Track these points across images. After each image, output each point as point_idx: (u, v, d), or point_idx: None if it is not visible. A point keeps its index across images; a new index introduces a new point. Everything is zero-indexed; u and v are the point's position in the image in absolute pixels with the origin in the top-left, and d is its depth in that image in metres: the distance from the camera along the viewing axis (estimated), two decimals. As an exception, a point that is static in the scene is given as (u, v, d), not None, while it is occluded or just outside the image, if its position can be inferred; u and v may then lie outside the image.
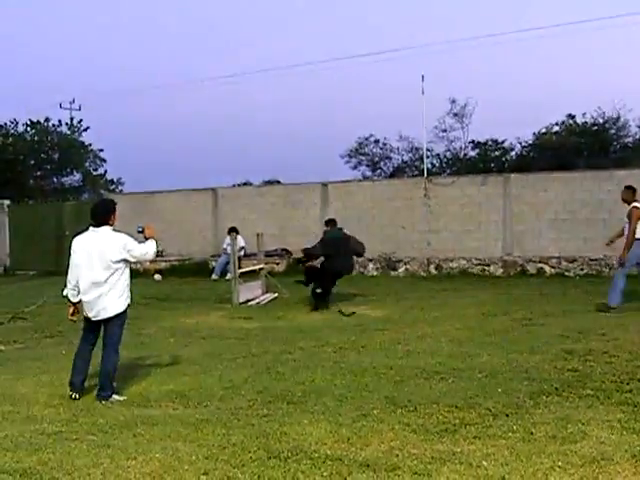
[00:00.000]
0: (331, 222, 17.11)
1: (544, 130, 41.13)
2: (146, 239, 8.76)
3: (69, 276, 8.61)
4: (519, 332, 11.92)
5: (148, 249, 8.67)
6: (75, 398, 8.35)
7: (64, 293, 8.80)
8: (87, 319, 8.63)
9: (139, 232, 8.84)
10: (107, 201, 9.24)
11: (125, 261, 8.53)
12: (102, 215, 8.53)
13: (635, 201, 14.16)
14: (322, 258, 16.38)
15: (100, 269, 8.37)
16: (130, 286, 8.80)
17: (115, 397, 8.40)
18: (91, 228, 8.52)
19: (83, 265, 8.43)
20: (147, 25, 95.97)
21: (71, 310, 8.77)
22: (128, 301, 8.71)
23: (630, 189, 14.44)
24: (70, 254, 8.60)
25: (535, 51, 69.06)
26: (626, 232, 14.15)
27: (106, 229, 8.47)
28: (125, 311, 8.68)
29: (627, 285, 14.16)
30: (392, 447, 6.29)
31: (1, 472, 5.91)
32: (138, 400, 8.20)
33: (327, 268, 16.04)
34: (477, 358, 9.91)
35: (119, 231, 8.59)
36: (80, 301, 8.60)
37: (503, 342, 11.02)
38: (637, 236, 13.96)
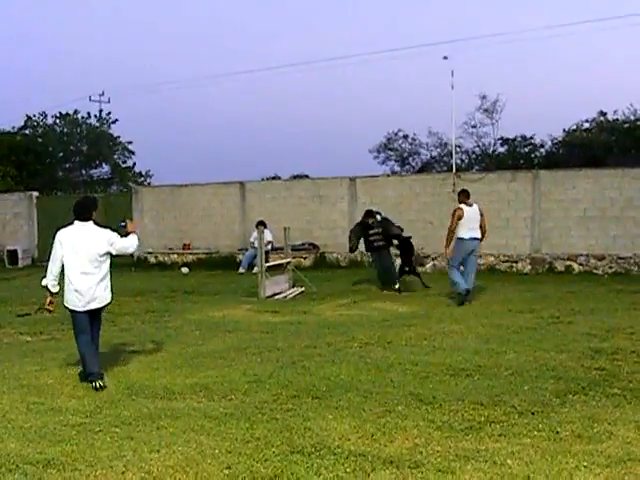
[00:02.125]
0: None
1: (574, 127, 40.90)
2: (127, 234, 9.23)
3: (51, 267, 8.99)
4: (546, 330, 11.84)
5: (130, 243, 9.17)
6: (101, 386, 8.44)
7: (43, 283, 9.13)
8: (76, 313, 8.93)
9: (122, 227, 9.32)
10: (91, 197, 10.49)
11: (109, 254, 8.99)
12: (87, 210, 9.04)
13: None
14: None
15: (87, 261, 8.82)
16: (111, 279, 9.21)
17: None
18: (77, 222, 9.00)
19: (71, 257, 8.84)
20: (178, 19, 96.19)
21: (49, 300, 9.17)
22: (110, 293, 9.19)
23: None
24: (54, 246, 9.02)
25: (567, 47, 68.70)
26: None
27: (91, 224, 8.99)
28: (110, 302, 9.23)
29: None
30: (416, 444, 6.27)
31: (25, 462, 5.95)
32: (162, 393, 8.20)
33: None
34: (503, 355, 9.85)
35: (103, 226, 9.12)
36: (58, 292, 9.02)
37: (530, 340, 10.94)
38: None
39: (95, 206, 9.16)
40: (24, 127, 43.57)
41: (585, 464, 5.68)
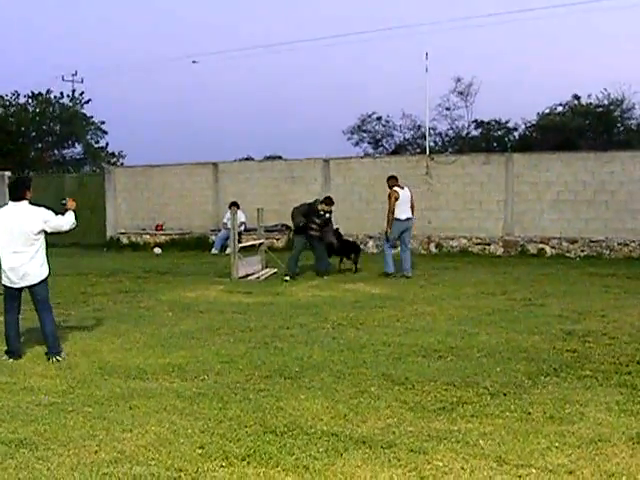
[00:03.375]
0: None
1: (548, 110, 41.05)
2: (66, 211, 9.45)
3: None
4: (518, 312, 11.90)
5: (65, 221, 9.35)
6: (17, 359, 9.02)
7: None
8: (8, 288, 9.20)
9: (62, 204, 9.51)
10: (24, 178, 10.83)
11: (44, 232, 9.16)
12: (20, 190, 9.23)
13: None
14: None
15: (21, 240, 8.99)
16: (48, 256, 9.36)
17: (63, 354, 9.13)
18: (10, 203, 9.22)
19: (3, 237, 9.04)
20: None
21: None
22: (47, 268, 9.33)
23: None
24: None
25: (542, 31, 68.88)
26: None
27: (24, 203, 9.14)
28: (47, 278, 9.30)
29: None
30: (389, 424, 6.30)
31: (-3, 442, 5.93)
32: (135, 373, 8.18)
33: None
34: (476, 337, 9.90)
35: (38, 205, 9.26)
36: None
37: (502, 322, 11.00)
38: None
39: (28, 186, 9.31)
40: (-4, 106, 43.18)
41: (557, 444, 5.73)
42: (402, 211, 16.98)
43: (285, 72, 78.34)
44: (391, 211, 16.95)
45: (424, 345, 9.36)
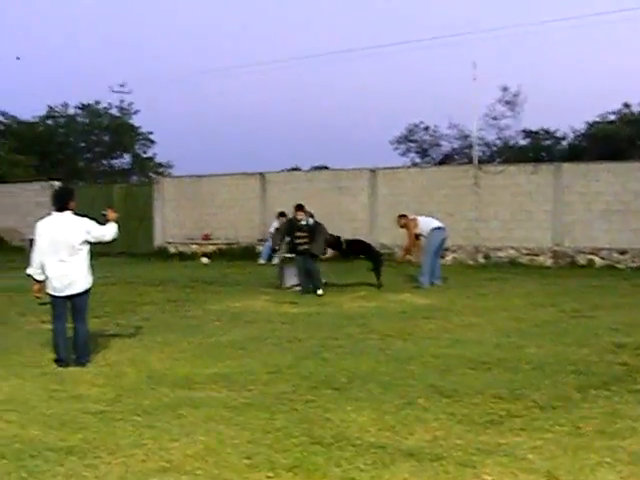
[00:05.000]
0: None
1: (598, 119, 40.61)
2: (107, 222, 9.61)
3: (34, 256, 9.32)
4: (567, 324, 11.78)
5: (107, 231, 9.52)
6: (66, 367, 9.05)
7: (28, 272, 9.43)
8: (55, 297, 9.33)
9: (103, 215, 9.67)
10: (68, 189, 10.84)
11: (86, 242, 9.31)
12: (64, 201, 9.37)
13: None
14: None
15: (65, 249, 9.14)
16: (92, 266, 9.53)
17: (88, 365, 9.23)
18: (54, 213, 9.35)
19: (49, 247, 9.16)
20: (198, 9, 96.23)
21: (36, 287, 9.44)
22: (91, 278, 9.49)
23: None
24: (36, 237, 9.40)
25: (590, 38, 68.25)
26: None
27: (68, 214, 9.32)
28: (90, 288, 9.48)
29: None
30: (436, 437, 6.25)
31: (46, 449, 5.99)
32: (182, 382, 8.21)
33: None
34: (524, 349, 9.80)
35: (83, 216, 9.42)
36: (44, 280, 9.30)
37: (551, 334, 10.89)
38: None
39: (72, 197, 9.46)
40: (46, 117, 43.74)
41: (607, 460, 5.64)
42: (430, 222, 17.81)
43: (331, 81, 78.26)
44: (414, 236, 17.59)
45: (472, 357, 9.29)
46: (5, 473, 5.48)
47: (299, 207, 16.99)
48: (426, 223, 17.72)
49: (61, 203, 9.33)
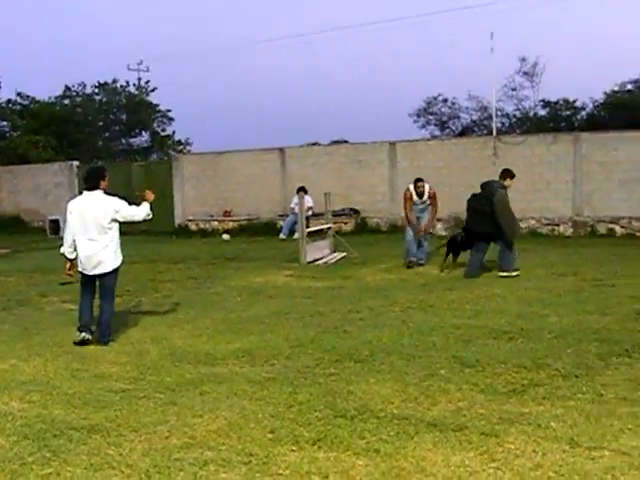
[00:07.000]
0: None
1: (617, 88, 40.27)
2: (141, 202, 9.71)
3: (66, 235, 9.57)
4: (589, 293, 11.74)
5: (138, 211, 9.62)
6: (83, 341, 9.17)
7: (61, 251, 9.62)
8: (84, 275, 9.49)
9: (137, 196, 9.89)
10: (99, 167, 10.86)
11: (115, 221, 9.38)
12: (94, 180, 9.47)
13: None
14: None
15: (94, 229, 9.26)
16: (121, 245, 9.62)
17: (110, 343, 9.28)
18: (85, 192, 9.49)
19: (79, 225, 9.33)
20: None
21: (68, 266, 9.71)
22: (121, 257, 9.59)
23: None
24: (67, 216, 9.56)
25: (608, 7, 67.56)
26: None
27: (98, 193, 9.40)
28: (119, 267, 9.57)
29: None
30: (459, 407, 6.26)
31: (69, 428, 6.02)
32: (205, 358, 8.25)
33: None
34: (546, 318, 9.79)
35: (112, 195, 9.52)
36: (76, 258, 9.48)
37: (573, 303, 10.87)
38: None
39: (103, 176, 9.52)
40: (63, 97, 43.70)
41: (630, 427, 5.64)
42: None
43: (350, 55, 78.11)
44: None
45: (494, 327, 9.29)
46: (29, 453, 5.52)
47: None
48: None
49: (92, 182, 9.43)
